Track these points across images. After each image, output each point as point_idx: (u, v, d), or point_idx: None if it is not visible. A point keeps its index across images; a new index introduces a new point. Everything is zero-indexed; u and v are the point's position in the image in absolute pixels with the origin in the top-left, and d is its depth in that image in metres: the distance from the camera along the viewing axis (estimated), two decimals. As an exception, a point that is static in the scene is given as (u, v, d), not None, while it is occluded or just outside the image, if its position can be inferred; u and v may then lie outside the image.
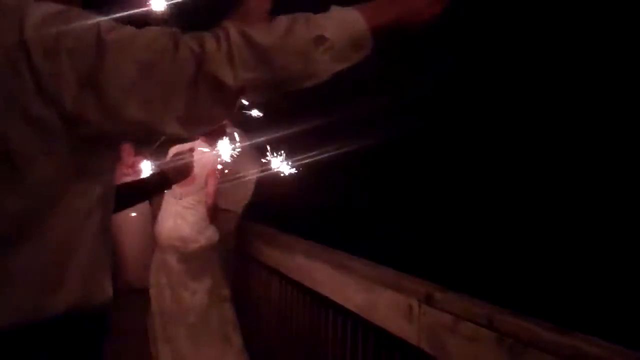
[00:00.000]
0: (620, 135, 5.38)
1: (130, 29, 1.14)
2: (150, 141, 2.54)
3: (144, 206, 6.56)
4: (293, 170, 3.43)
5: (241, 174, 4.58)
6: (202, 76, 1.10)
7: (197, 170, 3.93)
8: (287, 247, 3.89)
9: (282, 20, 1.18)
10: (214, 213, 4.25)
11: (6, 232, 1.11)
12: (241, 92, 1.15)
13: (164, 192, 4.03)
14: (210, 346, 4.16)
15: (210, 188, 4.18)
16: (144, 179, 2.72)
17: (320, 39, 1.16)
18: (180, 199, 4.22)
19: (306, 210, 5.45)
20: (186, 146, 3.76)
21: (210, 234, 4.23)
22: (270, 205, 4.69)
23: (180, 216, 4.21)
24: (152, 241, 6.69)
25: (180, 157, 2.79)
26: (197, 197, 4.22)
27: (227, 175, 4.29)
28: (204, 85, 1.11)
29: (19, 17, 1.10)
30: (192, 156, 2.76)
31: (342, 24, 1.19)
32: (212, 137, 3.98)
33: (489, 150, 5.83)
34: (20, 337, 1.13)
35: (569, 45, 5.50)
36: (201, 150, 3.93)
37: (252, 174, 4.33)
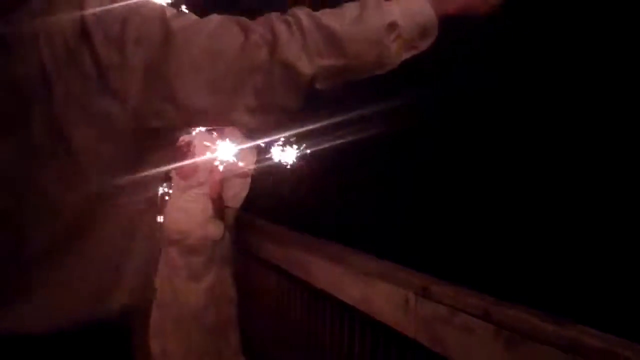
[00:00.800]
0: (614, 128, 5.37)
1: (194, 17, 1.11)
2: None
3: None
4: (295, 161, 3.41)
5: (240, 168, 4.55)
6: (275, 63, 1.07)
7: (200, 162, 3.95)
8: (283, 240, 3.86)
9: (352, 6, 1.15)
10: (220, 207, 4.18)
11: (66, 230, 1.07)
12: (315, 79, 1.12)
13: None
14: (203, 344, 4.12)
15: (214, 181, 4.11)
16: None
17: (392, 26, 1.14)
18: (184, 192, 4.18)
19: (303, 203, 5.44)
20: (185, 139, 3.74)
21: (212, 229, 4.16)
22: (267, 198, 4.66)
23: (182, 209, 4.16)
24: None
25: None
26: (199, 190, 4.15)
27: (229, 169, 4.27)
28: (278, 73, 1.08)
29: (79, 6, 1.05)
30: (188, 146, 2.73)
31: (411, 11, 1.16)
32: (216, 130, 3.95)
33: (483, 140, 5.82)
34: (78, 338, 1.10)
35: (566, 44, 5.49)
36: (204, 143, 3.91)
37: (250, 167, 4.29)
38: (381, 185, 5.98)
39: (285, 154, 3.40)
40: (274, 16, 1.12)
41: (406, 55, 1.18)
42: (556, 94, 5.63)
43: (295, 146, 3.39)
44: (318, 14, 1.12)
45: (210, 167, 4.09)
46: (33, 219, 1.06)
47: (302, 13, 1.11)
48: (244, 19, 1.11)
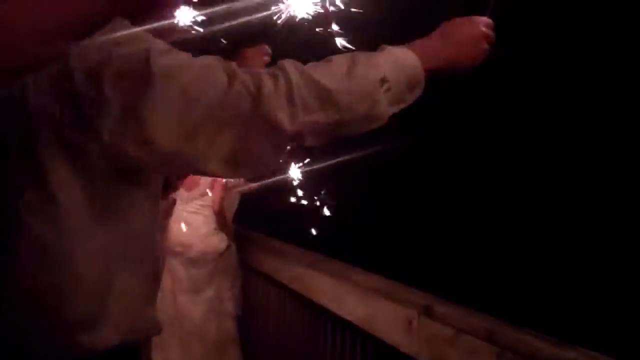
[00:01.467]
0: (613, 142, 5.38)
1: (183, 56, 1.07)
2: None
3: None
4: (300, 177, 3.41)
5: (241, 181, 4.55)
6: (256, 117, 1.03)
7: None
8: (286, 257, 3.85)
9: (342, 60, 1.14)
10: (222, 219, 4.17)
11: (31, 258, 1.06)
12: (298, 136, 1.08)
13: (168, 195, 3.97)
14: (205, 358, 4.11)
15: (216, 193, 4.08)
16: None
17: (384, 80, 1.12)
18: (186, 203, 4.16)
19: (303, 218, 5.44)
20: None
21: (214, 241, 4.16)
22: (267, 211, 4.65)
23: (185, 221, 4.15)
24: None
25: None
26: (201, 201, 4.15)
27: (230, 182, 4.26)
28: (257, 127, 1.04)
29: None
30: None
31: (399, 64, 1.16)
32: None
33: (490, 159, 5.82)
34: None
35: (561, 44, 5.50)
36: None
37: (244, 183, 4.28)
38: (383, 200, 5.98)
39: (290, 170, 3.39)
40: (265, 70, 1.10)
41: (394, 110, 1.17)
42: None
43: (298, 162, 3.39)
44: (308, 68, 1.10)
45: (212, 179, 4.06)
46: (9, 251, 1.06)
47: (291, 66, 1.08)
48: (233, 66, 1.07)
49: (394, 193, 5.92)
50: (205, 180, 4.09)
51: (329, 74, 1.10)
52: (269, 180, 3.75)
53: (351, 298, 2.85)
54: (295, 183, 3.29)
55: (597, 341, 1.75)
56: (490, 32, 1.26)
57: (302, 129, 1.07)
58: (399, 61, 1.16)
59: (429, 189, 5.84)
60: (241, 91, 1.04)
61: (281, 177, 3.48)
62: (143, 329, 1.20)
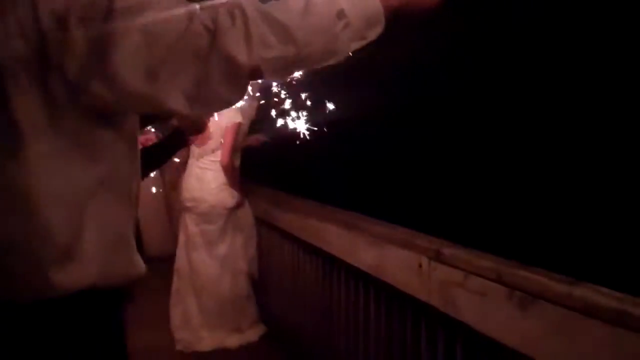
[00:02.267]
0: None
1: None
2: (156, 118, 2.47)
3: (156, 173, 6.62)
4: (307, 130, 3.40)
5: (253, 138, 4.56)
6: (214, 52, 1.06)
7: (212, 129, 3.95)
8: (300, 210, 3.87)
9: None
10: (232, 175, 4.18)
11: (3, 199, 1.09)
12: (256, 71, 1.10)
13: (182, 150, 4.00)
14: (221, 315, 4.19)
15: (225, 147, 4.09)
16: (160, 140, 2.71)
17: (340, 15, 1.13)
18: (198, 159, 4.21)
19: (313, 171, 5.44)
20: None
21: (224, 197, 4.18)
22: (278, 166, 4.66)
23: (197, 177, 4.20)
24: (165, 209, 6.78)
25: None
26: (212, 157, 4.17)
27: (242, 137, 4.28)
28: (215, 62, 1.06)
29: None
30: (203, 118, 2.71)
31: (357, 2, 1.16)
32: None
33: (488, 98, 5.77)
34: (38, 309, 1.12)
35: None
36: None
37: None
38: (390, 147, 5.96)
39: (297, 123, 3.37)
40: (220, 5, 1.10)
41: (355, 46, 1.18)
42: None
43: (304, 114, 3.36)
44: (265, 5, 1.11)
45: (224, 133, 4.08)
46: None
47: (248, 4, 1.09)
48: (192, 5, 1.10)
49: (401, 141, 5.89)
50: (217, 136, 4.10)
51: (285, 10, 1.11)
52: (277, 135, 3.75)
53: (362, 246, 2.86)
54: (302, 135, 3.26)
55: (603, 277, 1.74)
56: None
57: (259, 64, 1.09)
58: None
59: (435, 136, 5.81)
60: (199, 29, 1.06)
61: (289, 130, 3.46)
62: (121, 271, 1.22)
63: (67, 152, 1.11)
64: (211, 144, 4.15)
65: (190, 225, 4.24)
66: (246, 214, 4.39)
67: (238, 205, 4.28)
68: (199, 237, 4.21)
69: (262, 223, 4.55)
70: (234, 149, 4.15)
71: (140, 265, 1.27)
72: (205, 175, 4.19)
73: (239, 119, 4.10)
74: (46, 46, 1.05)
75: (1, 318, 1.11)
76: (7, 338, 1.11)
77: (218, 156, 4.15)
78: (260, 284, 4.47)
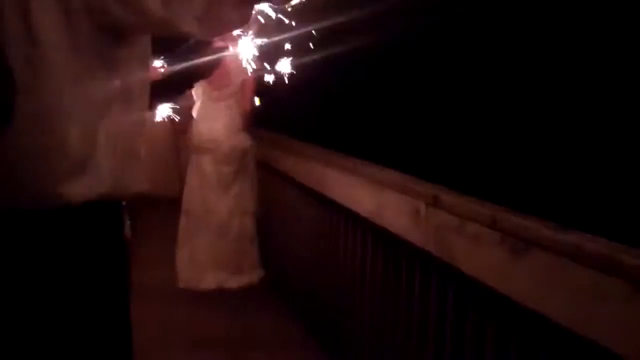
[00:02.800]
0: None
1: None
2: (171, 43, 2.50)
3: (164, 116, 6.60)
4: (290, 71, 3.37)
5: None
6: None
7: (232, 74, 4.03)
8: (300, 154, 3.89)
9: None
10: (249, 118, 4.33)
11: (21, 108, 1.13)
12: None
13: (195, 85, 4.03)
14: (226, 255, 4.29)
15: (247, 93, 4.21)
16: (176, 71, 2.74)
17: None
18: (216, 102, 4.29)
19: (307, 115, 5.44)
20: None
21: (241, 139, 4.31)
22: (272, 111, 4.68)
23: (214, 118, 4.28)
24: (172, 152, 6.81)
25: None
26: (230, 100, 4.28)
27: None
28: None
29: None
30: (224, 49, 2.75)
31: None
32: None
33: (481, 44, 5.71)
34: (43, 217, 1.17)
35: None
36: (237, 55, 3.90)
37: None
38: (389, 94, 5.94)
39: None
40: None
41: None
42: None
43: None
44: None
45: (242, 78, 4.14)
46: None
47: None
48: None
49: (397, 89, 5.85)
50: (235, 80, 4.17)
51: None
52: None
53: (361, 191, 2.89)
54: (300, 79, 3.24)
55: (596, 224, 1.76)
56: None
57: None
58: None
59: (430, 84, 5.77)
60: None
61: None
62: (130, 183, 1.27)
63: (84, 68, 1.16)
64: (230, 88, 4.24)
65: (207, 166, 4.32)
66: (253, 157, 4.49)
67: (251, 148, 4.39)
68: (215, 177, 4.31)
69: (264, 165, 4.59)
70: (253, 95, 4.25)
71: (144, 180, 1.33)
72: (224, 116, 4.28)
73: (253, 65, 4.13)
74: None
75: (8, 225, 1.16)
76: (12, 244, 1.16)
77: (236, 100, 4.26)
78: (262, 227, 4.53)
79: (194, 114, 4.40)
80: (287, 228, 4.24)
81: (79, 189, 1.17)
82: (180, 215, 4.42)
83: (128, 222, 1.43)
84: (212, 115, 4.30)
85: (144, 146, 1.33)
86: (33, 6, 1.12)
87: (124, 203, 1.32)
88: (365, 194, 2.84)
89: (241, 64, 3.92)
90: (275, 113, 4.78)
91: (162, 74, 2.69)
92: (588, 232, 1.67)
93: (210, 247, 4.27)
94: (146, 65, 1.32)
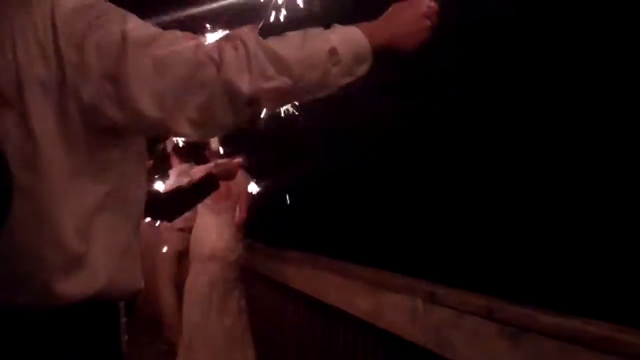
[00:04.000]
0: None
1: (155, 29, 1.20)
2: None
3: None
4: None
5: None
6: (218, 82, 1.14)
7: (234, 187, 4.32)
8: (296, 263, 3.91)
9: (296, 34, 1.24)
10: (242, 230, 4.54)
11: (17, 207, 1.14)
12: (255, 101, 1.18)
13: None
14: (230, 354, 4.34)
15: (243, 206, 4.47)
16: (194, 183, 2.88)
17: (332, 52, 1.21)
18: (219, 215, 4.47)
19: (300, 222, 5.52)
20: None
21: (242, 246, 4.53)
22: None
23: (220, 230, 4.45)
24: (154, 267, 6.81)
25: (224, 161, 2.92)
26: (232, 212, 4.50)
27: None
28: (220, 91, 1.14)
29: (50, 3, 1.18)
30: (235, 163, 2.94)
31: (348, 39, 1.25)
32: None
33: (476, 141, 5.88)
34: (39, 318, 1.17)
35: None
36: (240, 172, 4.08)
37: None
38: (379, 196, 6.05)
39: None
40: (224, 38, 1.20)
41: (344, 81, 1.27)
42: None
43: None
44: (266, 40, 1.21)
45: (239, 192, 4.44)
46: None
47: (249, 37, 1.19)
48: (199, 38, 1.20)
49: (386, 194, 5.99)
50: (235, 193, 4.42)
51: (284, 45, 1.20)
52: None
53: (358, 294, 2.88)
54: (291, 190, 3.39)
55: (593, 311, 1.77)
56: (432, 11, 1.35)
57: (259, 94, 1.17)
58: (347, 36, 1.26)
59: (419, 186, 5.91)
60: (205, 60, 1.15)
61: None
62: (126, 281, 1.28)
63: (78, 168, 1.19)
64: (231, 200, 4.47)
65: (218, 274, 4.41)
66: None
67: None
68: (224, 283, 4.43)
69: (262, 277, 4.63)
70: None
71: (140, 280, 1.33)
72: (227, 228, 4.48)
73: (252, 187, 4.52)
74: (64, 69, 1.14)
75: (3, 323, 1.16)
76: (8, 344, 1.16)
77: (232, 212, 4.49)
78: (258, 335, 4.50)
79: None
80: (287, 337, 4.17)
81: (74, 286, 1.18)
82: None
83: (125, 337, 1.42)
84: (217, 226, 4.47)
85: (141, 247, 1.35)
86: (32, 110, 1.15)
87: (123, 319, 1.33)
88: (362, 296, 2.83)
89: (241, 177, 4.21)
90: (267, 224, 4.89)
91: (171, 191, 2.83)
92: (584, 316, 1.67)
93: (223, 347, 4.32)
94: (141, 165, 1.35)
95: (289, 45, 1.20)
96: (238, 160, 3.53)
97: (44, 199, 1.16)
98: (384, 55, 1.32)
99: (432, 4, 1.36)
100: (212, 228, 4.46)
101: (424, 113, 5.84)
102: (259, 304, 4.82)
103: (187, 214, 4.15)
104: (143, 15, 1.26)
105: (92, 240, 1.20)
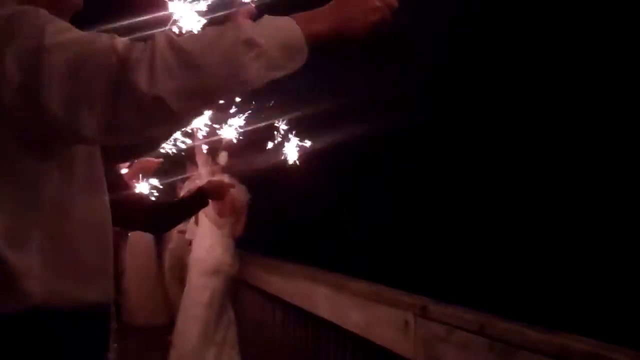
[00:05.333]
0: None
1: (77, 33, 1.16)
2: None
3: (149, 242, 6.65)
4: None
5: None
6: (121, 81, 1.09)
7: (237, 203, 4.43)
8: (288, 274, 3.93)
9: (214, 29, 1.17)
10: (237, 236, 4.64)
11: None
12: (159, 100, 1.09)
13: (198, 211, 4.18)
14: None
15: (242, 221, 4.60)
16: (185, 198, 2.92)
17: (249, 43, 1.11)
18: (221, 228, 4.55)
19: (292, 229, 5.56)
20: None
21: (235, 258, 4.59)
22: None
23: (223, 244, 4.54)
24: (154, 279, 6.80)
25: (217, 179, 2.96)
26: (229, 228, 4.57)
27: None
28: (121, 90, 1.09)
29: None
30: (228, 178, 3.00)
31: (275, 31, 1.16)
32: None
33: (476, 152, 5.93)
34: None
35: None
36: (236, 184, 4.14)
37: None
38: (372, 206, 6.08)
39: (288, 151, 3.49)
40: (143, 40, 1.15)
41: (272, 75, 1.17)
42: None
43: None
44: (181, 37, 1.15)
45: (240, 206, 4.55)
46: None
47: (161, 35, 1.12)
48: (119, 39, 1.14)
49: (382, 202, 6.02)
50: (237, 208, 4.53)
51: (195, 39, 1.15)
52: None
53: (349, 307, 2.90)
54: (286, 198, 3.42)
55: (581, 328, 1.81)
56: (384, 6, 1.25)
57: (163, 92, 1.09)
58: (276, 26, 1.17)
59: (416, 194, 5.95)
60: (112, 58, 1.10)
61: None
62: (69, 294, 1.23)
63: (6, 183, 1.17)
64: (232, 216, 4.56)
65: (221, 287, 4.45)
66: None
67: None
68: (227, 295, 4.50)
69: (252, 287, 4.65)
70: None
71: (107, 294, 1.29)
72: (229, 242, 4.58)
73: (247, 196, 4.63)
74: None
75: None
76: None
77: (230, 227, 4.58)
78: (248, 347, 4.50)
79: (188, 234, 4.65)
80: (277, 348, 4.18)
81: (14, 299, 1.16)
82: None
83: (115, 345, 1.43)
84: (220, 240, 4.54)
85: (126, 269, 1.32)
86: None
87: (113, 325, 1.32)
88: (354, 309, 2.86)
89: (240, 192, 4.33)
90: (259, 235, 4.93)
91: (174, 201, 2.88)
92: (573, 333, 1.71)
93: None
94: (72, 175, 1.27)
95: (200, 39, 1.15)
96: (230, 182, 3.55)
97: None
98: (328, 43, 1.21)
99: None
100: (215, 243, 4.53)
101: (413, 128, 5.89)
102: (248, 315, 4.84)
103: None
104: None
105: (27, 253, 1.18)
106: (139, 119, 1.13)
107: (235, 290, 4.85)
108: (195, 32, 1.19)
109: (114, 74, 1.10)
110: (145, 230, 3.71)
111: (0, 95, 1.12)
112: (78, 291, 1.24)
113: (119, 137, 1.22)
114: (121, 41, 1.14)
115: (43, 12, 1.18)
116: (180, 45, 1.11)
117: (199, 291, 4.46)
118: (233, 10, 1.40)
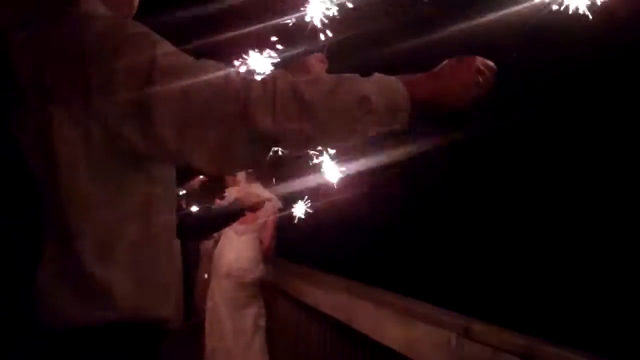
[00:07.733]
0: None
1: (186, 57, 1.17)
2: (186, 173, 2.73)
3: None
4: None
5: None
6: (241, 118, 1.12)
7: (261, 213, 4.38)
8: (328, 286, 3.92)
9: (328, 78, 1.21)
10: (269, 252, 4.75)
11: (44, 231, 1.15)
12: (276, 141, 1.16)
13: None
14: None
15: (270, 230, 4.70)
16: (225, 209, 3.03)
17: (364, 100, 1.17)
18: (242, 235, 4.66)
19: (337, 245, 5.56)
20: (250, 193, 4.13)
21: (262, 268, 4.69)
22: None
23: (240, 250, 4.65)
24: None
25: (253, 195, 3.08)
26: (255, 234, 4.69)
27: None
28: (241, 127, 1.12)
29: (80, 26, 1.16)
30: (260, 198, 3.14)
31: (385, 90, 1.20)
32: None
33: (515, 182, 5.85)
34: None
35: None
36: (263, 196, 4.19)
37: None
38: (417, 225, 6.04)
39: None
40: (258, 76, 1.18)
41: (376, 131, 1.22)
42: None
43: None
44: (298, 81, 1.17)
45: (269, 217, 4.62)
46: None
47: (281, 76, 1.16)
48: (229, 71, 1.17)
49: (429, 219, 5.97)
50: (262, 217, 4.57)
51: (313, 89, 1.17)
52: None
53: (391, 323, 2.88)
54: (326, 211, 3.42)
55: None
56: (486, 71, 1.29)
57: (281, 134, 1.15)
58: (384, 85, 1.21)
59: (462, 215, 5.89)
60: (232, 93, 1.13)
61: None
62: (148, 308, 1.24)
63: (100, 193, 1.17)
64: (256, 224, 4.67)
65: (231, 292, 4.59)
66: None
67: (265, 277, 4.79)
68: (236, 301, 4.58)
69: (288, 297, 4.67)
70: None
71: (168, 311, 1.29)
72: (249, 250, 4.68)
73: (279, 204, 4.63)
74: (89, 91, 1.12)
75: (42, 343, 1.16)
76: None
77: (258, 234, 4.71)
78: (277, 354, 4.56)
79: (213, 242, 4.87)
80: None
81: (96, 311, 1.16)
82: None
83: None
84: (238, 247, 4.67)
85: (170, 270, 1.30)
86: (54, 126, 1.13)
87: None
88: (395, 326, 2.84)
89: (270, 207, 4.41)
90: (301, 245, 4.96)
91: (204, 214, 2.96)
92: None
93: None
94: (168, 190, 1.30)
95: (318, 90, 1.17)
96: (265, 199, 3.62)
97: (62, 220, 1.15)
98: (427, 111, 1.26)
99: (489, 63, 1.30)
100: (231, 247, 4.68)
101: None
102: (281, 322, 4.89)
103: None
104: (182, 36, 1.25)
105: (114, 266, 1.18)
106: (252, 156, 1.17)
107: (270, 298, 4.93)
108: (269, 71, 1.21)
109: (233, 111, 1.12)
110: (189, 239, 3.81)
111: (105, 111, 1.12)
112: (156, 306, 1.26)
113: (225, 169, 1.28)
114: (238, 75, 1.16)
115: (145, 29, 1.18)
116: (302, 94, 1.14)
117: (213, 294, 4.66)
118: (306, 56, 1.45)
